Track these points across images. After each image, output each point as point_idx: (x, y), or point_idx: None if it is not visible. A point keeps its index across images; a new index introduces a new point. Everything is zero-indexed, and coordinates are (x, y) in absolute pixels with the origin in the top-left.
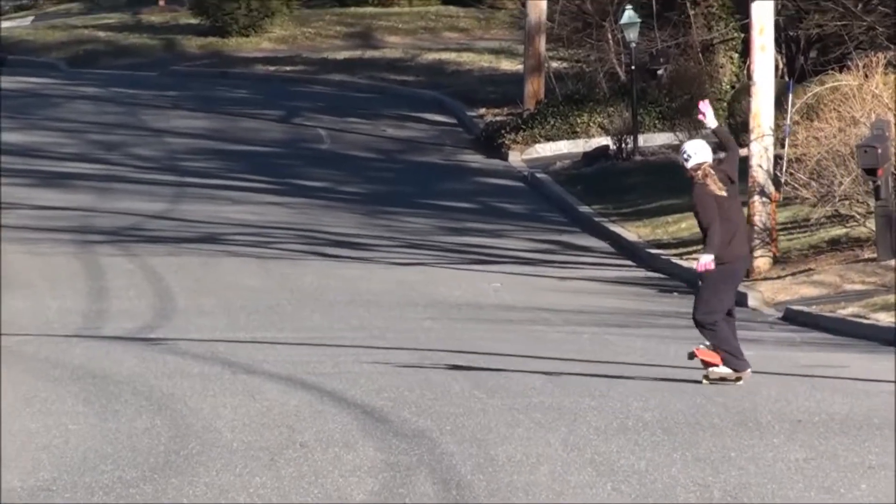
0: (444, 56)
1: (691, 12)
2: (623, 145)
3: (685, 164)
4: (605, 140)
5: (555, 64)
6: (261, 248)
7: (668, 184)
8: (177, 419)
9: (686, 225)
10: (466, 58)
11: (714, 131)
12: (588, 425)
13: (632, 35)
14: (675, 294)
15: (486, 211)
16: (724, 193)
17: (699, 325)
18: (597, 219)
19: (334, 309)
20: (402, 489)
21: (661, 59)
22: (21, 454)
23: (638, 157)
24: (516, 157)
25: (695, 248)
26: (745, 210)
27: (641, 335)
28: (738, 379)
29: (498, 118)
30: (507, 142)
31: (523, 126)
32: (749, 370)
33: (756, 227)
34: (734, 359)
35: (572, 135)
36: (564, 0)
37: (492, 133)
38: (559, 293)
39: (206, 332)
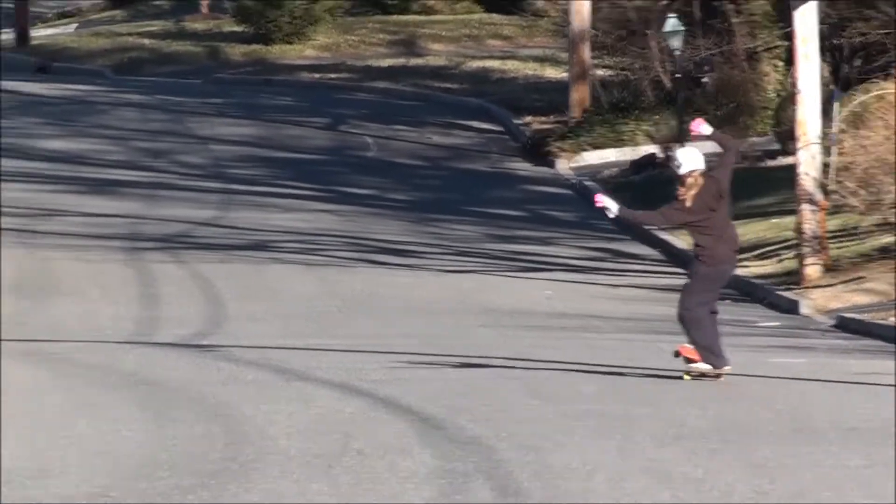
0: (489, 64)
1: (734, 20)
2: (670, 153)
3: (677, 171)
4: (652, 148)
5: (599, 72)
6: (310, 255)
7: None
8: (232, 426)
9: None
10: (511, 65)
11: (710, 137)
12: (643, 433)
13: (675, 43)
14: (728, 301)
15: (535, 218)
16: (689, 215)
17: (679, 320)
18: (646, 227)
19: (386, 316)
20: (458, 496)
21: (706, 68)
22: (77, 461)
23: None
24: (563, 165)
25: (745, 255)
26: (795, 218)
27: None
28: (719, 376)
29: (544, 126)
30: (553, 150)
31: (570, 134)
32: (728, 367)
33: (805, 236)
34: (713, 356)
35: (619, 143)
36: (608, 8)
37: (538, 141)
38: (610, 301)
39: (258, 338)
